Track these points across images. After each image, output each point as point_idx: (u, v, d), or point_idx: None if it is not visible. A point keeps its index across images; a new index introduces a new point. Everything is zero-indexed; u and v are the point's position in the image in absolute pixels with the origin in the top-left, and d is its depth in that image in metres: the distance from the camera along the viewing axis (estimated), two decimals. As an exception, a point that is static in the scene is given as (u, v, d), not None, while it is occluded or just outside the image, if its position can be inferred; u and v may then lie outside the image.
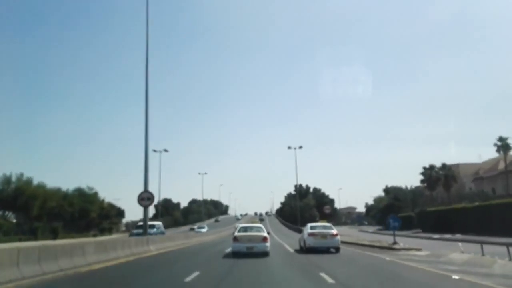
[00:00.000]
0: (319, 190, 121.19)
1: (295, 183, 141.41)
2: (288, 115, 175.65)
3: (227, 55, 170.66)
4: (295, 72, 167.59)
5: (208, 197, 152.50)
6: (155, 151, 60.81)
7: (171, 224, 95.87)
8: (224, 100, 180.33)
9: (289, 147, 62.28)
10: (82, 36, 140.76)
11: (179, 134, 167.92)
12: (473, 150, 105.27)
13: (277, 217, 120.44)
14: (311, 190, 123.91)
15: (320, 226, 18.74)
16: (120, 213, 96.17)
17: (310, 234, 16.86)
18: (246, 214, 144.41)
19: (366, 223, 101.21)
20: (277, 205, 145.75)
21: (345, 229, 52.56)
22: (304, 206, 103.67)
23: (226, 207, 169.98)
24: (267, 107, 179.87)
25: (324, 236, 16.65)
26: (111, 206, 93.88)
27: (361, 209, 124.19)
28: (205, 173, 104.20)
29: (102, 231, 68.46)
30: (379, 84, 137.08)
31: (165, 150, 61.29)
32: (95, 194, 67.28)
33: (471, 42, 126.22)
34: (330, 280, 8.80)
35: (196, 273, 10.04)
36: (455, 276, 9.11)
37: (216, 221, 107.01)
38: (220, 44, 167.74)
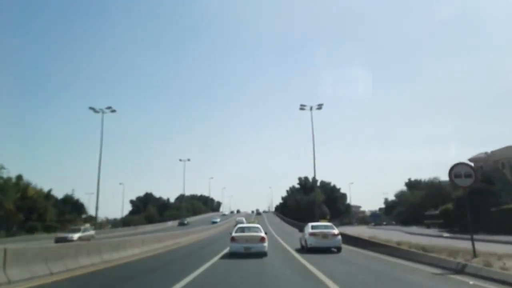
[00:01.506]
0: (328, 183, 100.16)
1: (298, 176, 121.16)
2: (287, 114, 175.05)
3: (227, 54, 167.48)
4: (295, 71, 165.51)
5: (204, 193, 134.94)
6: (94, 110, 40.13)
7: (141, 222, 75.01)
8: (224, 99, 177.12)
9: (302, 107, 41.52)
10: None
11: (179, 132, 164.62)
12: (475, 150, 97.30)
13: (278, 214, 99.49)
14: (318, 183, 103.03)
15: (321, 225, 18.12)
16: (78, 207, 75.79)
17: (311, 234, 16.59)
18: (238, 212, 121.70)
19: (394, 222, 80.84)
20: (276, 203, 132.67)
21: (385, 233, 32.46)
22: (312, 201, 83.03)
23: (218, 203, 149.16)
24: (266, 105, 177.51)
25: (325, 236, 16.39)
26: (66, 199, 74.28)
27: (365, 207, 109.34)
28: (188, 160, 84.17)
29: (31, 230, 47.67)
30: (379, 83, 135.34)
31: (111, 110, 40.24)
32: (17, 178, 46.10)
33: (472, 42, 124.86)
34: None
35: None
36: None
37: (182, 224, 64.52)
38: (220, 43, 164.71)
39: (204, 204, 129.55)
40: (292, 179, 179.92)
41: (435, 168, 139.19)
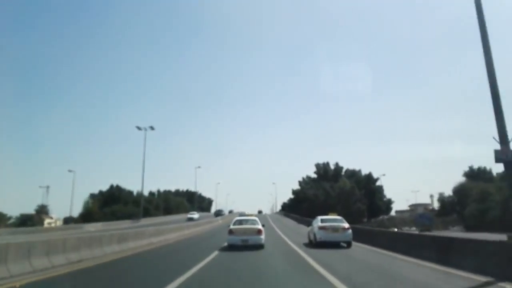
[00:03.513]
0: (358, 171, 70.19)
1: (316, 162, 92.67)
2: (289, 112, 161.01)
3: (227, 53, 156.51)
4: (296, 69, 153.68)
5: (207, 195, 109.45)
6: None
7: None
8: (223, 98, 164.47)
9: None
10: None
11: (178, 131, 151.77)
12: (478, 148, 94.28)
13: (287, 214, 69.49)
14: (343, 172, 73.25)
15: (331, 219, 16.87)
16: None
17: (321, 228, 15.83)
18: (229, 212, 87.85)
19: (453, 227, 52.84)
20: (280, 203, 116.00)
21: None
22: (346, 192, 53.75)
23: (209, 201, 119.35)
24: (267, 105, 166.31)
25: (335, 229, 15.74)
26: None
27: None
28: (152, 128, 55.22)
29: None
30: (379, 80, 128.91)
31: None
32: None
33: (473, 40, 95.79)
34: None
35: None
36: None
37: None
38: (221, 43, 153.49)
39: (189, 202, 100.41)
40: (297, 177, 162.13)
41: (441, 165, 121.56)
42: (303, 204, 57.66)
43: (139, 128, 54.69)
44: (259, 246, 14.21)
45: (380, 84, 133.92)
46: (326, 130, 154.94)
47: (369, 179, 64.82)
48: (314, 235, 16.08)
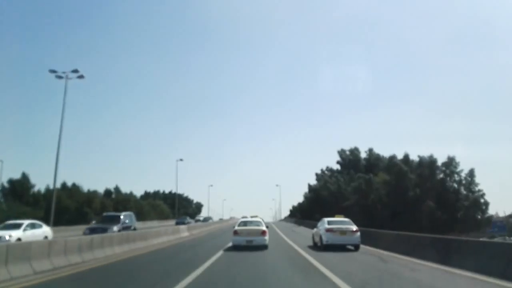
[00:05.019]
0: (405, 156, 47.09)
1: (340, 148, 70.53)
2: (289, 113, 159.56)
3: (228, 53, 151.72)
4: (296, 70, 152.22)
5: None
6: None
7: None
8: (223, 98, 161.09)
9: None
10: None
11: (178, 134, 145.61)
12: (479, 149, 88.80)
13: (300, 222, 46.88)
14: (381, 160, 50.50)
15: (339, 221, 16.40)
16: None
17: (328, 230, 15.31)
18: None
19: None
20: (284, 210, 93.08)
21: None
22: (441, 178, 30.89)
23: (198, 205, 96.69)
24: (266, 105, 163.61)
25: (343, 232, 15.22)
26: None
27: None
28: (78, 75, 33.11)
29: None
30: (380, 81, 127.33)
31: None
32: None
33: (473, 40, 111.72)
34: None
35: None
36: None
37: None
38: (222, 47, 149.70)
39: (171, 207, 78.13)
40: (299, 180, 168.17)
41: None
42: (341, 202, 33.94)
43: (56, 73, 32.47)
44: (263, 247, 14.61)
45: (381, 85, 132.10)
46: (328, 130, 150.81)
47: (431, 168, 40.98)
48: (320, 237, 15.63)
